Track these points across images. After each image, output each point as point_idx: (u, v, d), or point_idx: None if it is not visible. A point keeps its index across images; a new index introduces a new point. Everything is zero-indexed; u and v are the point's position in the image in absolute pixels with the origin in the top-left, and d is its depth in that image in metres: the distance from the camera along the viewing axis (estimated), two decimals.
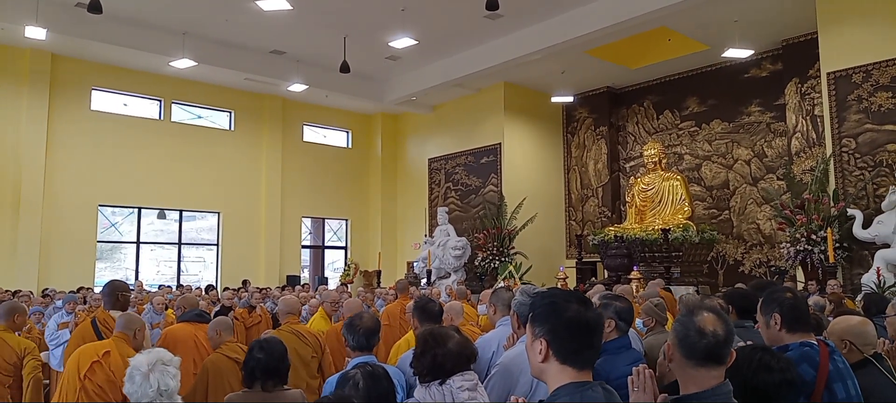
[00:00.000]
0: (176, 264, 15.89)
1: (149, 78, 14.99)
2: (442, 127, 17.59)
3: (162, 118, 15.46)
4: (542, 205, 15.94)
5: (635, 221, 13.77)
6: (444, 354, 2.49)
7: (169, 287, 12.57)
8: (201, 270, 16.39)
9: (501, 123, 15.89)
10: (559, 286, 11.57)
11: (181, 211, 15.91)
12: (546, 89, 16.02)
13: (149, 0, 11.96)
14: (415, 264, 15.74)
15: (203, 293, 11.45)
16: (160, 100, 15.45)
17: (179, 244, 15.93)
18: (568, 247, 16.59)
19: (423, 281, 14.59)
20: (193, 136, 15.83)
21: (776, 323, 2.64)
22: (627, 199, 14.70)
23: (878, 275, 8.84)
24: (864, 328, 2.77)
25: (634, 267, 12.01)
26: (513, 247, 14.90)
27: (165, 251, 15.97)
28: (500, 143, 15.91)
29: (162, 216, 15.81)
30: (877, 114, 10.04)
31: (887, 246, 9.25)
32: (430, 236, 16.01)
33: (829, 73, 10.57)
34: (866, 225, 9.52)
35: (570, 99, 15.96)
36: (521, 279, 13.48)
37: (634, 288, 10.33)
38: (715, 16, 11.69)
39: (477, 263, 15.04)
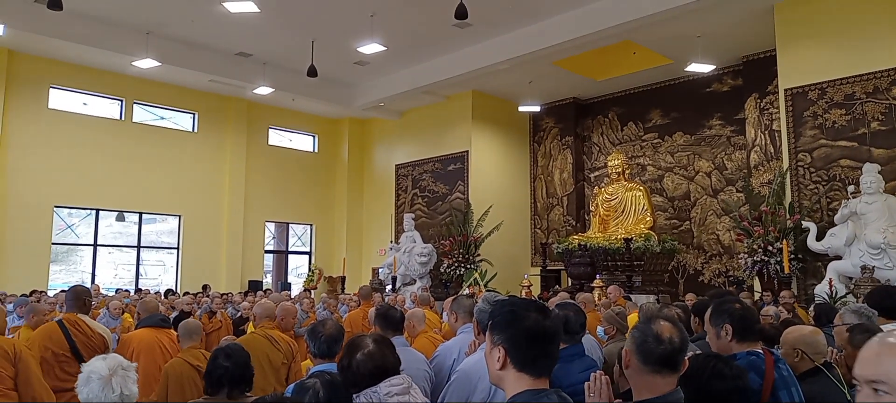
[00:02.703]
0: (134, 267, 15.54)
1: (110, 77, 14.66)
2: (410, 133, 17.59)
3: (123, 118, 15.13)
4: (508, 213, 16.04)
5: (599, 230, 13.96)
6: (347, 366, 2.49)
7: (126, 291, 12.28)
8: (161, 274, 16.06)
9: (469, 131, 15.96)
10: (523, 294, 11.66)
11: (141, 214, 15.57)
12: (514, 98, 16.16)
13: None
14: (380, 270, 15.68)
15: (162, 297, 11.24)
16: (121, 100, 15.12)
17: (138, 247, 15.59)
18: (533, 255, 16.71)
19: (388, 287, 14.54)
20: (155, 138, 15.53)
21: (727, 333, 2.71)
22: (591, 208, 14.90)
23: (831, 286, 9.09)
24: (815, 337, 2.87)
25: (597, 276, 12.18)
26: (478, 255, 14.95)
27: (124, 254, 15.61)
28: (467, 151, 15.97)
29: (121, 218, 15.45)
30: (831, 131, 10.37)
31: (839, 257, 9.53)
32: (396, 242, 15.97)
33: (786, 90, 10.88)
34: (820, 237, 9.79)
35: (537, 108, 16.13)
36: (486, 286, 13.52)
37: (596, 296, 10.46)
38: (678, 31, 11.95)
39: (442, 270, 15.05)
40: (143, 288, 13.48)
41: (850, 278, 9.28)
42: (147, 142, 15.32)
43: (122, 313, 8.07)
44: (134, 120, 15.30)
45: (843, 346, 3.17)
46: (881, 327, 3.55)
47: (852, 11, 10.15)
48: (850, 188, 9.68)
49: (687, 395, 2.07)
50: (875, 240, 8.90)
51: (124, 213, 15.41)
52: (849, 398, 2.72)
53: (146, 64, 13.29)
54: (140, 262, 15.65)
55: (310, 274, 17.33)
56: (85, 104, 14.73)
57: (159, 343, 4.86)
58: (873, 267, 8.86)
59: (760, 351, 2.71)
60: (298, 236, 18.60)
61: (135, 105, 15.31)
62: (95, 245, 14.92)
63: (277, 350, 4.54)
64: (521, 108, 15.92)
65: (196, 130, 16.32)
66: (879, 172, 9.37)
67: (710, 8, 10.75)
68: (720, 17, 11.39)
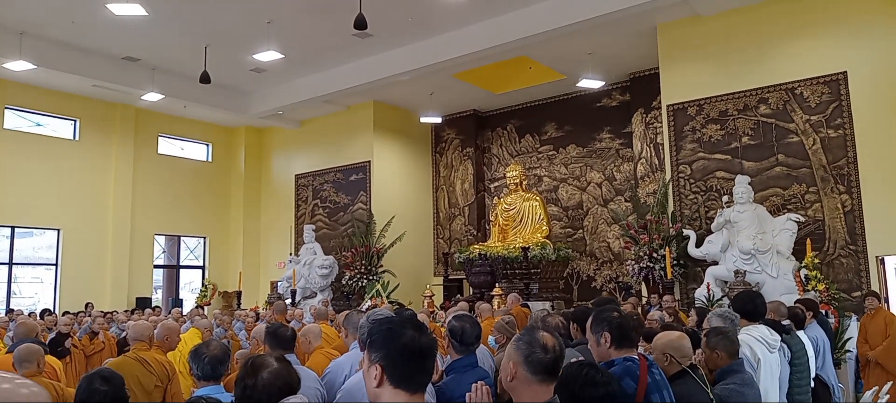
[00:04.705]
0: (6, 286, 14.30)
1: None
2: (310, 142, 17.29)
3: None
4: (411, 224, 16.09)
5: (498, 239, 14.28)
6: (253, 385, 2.45)
7: None
8: (38, 292, 14.88)
9: (371, 141, 15.91)
10: (425, 303, 11.72)
11: (13, 228, 14.38)
12: (415, 109, 16.28)
13: None
14: (279, 284, 15.28)
15: (38, 317, 10.42)
16: None
17: (10, 264, 14.37)
18: (436, 265, 16.85)
19: (288, 301, 14.19)
20: (31, 146, 14.40)
21: (606, 341, 2.87)
22: (491, 218, 15.23)
23: (709, 290, 9.74)
24: (681, 342, 3.08)
25: (497, 284, 12.45)
26: (381, 266, 14.89)
27: None
28: (369, 161, 15.90)
29: None
30: (707, 144, 11.16)
31: (716, 263, 10.22)
32: (296, 254, 15.63)
33: (668, 106, 11.60)
34: (699, 244, 10.46)
35: (438, 120, 16.32)
36: (388, 297, 13.49)
37: (495, 304, 10.67)
38: (571, 48, 12.47)
39: (344, 282, 14.87)
40: (15, 309, 12.44)
41: (726, 282, 9.96)
42: (21, 150, 14.19)
43: None
44: (6, 126, 14.12)
45: (703, 348, 3.43)
46: (742, 329, 3.87)
47: (725, 35, 11.00)
48: (725, 198, 10.42)
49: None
50: (746, 246, 9.62)
51: None
52: (711, 396, 2.94)
53: (19, 66, 12.30)
54: (12, 280, 14.42)
55: (203, 289, 16.61)
56: None
57: None
58: (745, 271, 9.56)
59: (636, 357, 2.88)
60: (191, 249, 17.78)
61: (7, 110, 14.14)
62: None
63: (150, 374, 4.34)
64: (422, 119, 16.05)
65: (78, 138, 15.28)
66: (750, 183, 10.15)
67: (599, 27, 11.31)
68: (609, 37, 12.00)
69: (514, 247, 13.24)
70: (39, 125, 14.85)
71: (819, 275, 9.11)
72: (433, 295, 12.65)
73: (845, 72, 9.91)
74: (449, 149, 17.22)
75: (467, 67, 13.38)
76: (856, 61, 9.88)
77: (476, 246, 14.19)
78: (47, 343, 6.37)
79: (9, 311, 12.07)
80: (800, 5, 10.38)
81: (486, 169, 16.99)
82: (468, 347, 3.09)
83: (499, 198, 15.22)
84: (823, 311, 7.89)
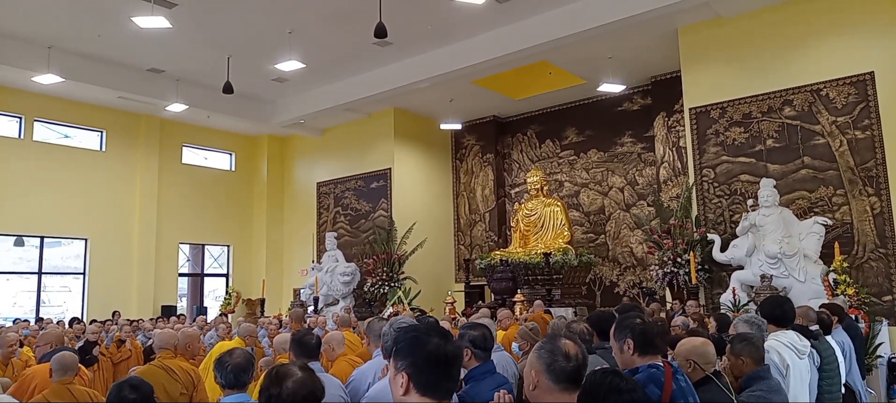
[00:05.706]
0: (36, 295, 14.58)
1: (7, 93, 13.79)
2: (331, 150, 17.42)
3: (22, 136, 14.24)
4: (432, 230, 16.11)
5: (519, 245, 14.23)
6: (278, 395, 2.46)
7: (26, 321, 11.50)
8: (66, 301, 15.14)
9: (391, 148, 15.97)
10: (447, 310, 11.73)
11: (42, 238, 14.66)
12: (435, 116, 16.31)
13: (7, 9, 11.05)
14: (302, 291, 15.39)
15: (67, 326, 10.61)
16: (21, 117, 14.24)
17: (40, 273, 14.65)
18: (457, 271, 16.84)
19: (311, 308, 14.28)
20: (59, 157, 14.70)
21: (629, 348, 2.84)
22: (512, 224, 15.18)
23: (734, 295, 9.59)
24: (705, 348, 3.04)
25: (518, 290, 12.41)
26: (403, 272, 14.93)
27: (24, 280, 14.63)
28: (390, 168, 15.96)
29: (19, 243, 14.50)
30: (731, 147, 11.02)
31: (741, 267, 10.08)
32: (318, 262, 15.74)
33: (690, 109, 11.48)
34: (723, 248, 10.32)
35: (458, 126, 16.34)
36: (410, 304, 13.51)
37: (517, 310, 10.65)
38: (591, 52, 12.41)
39: (366, 289, 14.93)
40: (44, 317, 12.67)
41: (752, 287, 9.80)
42: (50, 161, 14.48)
43: (20, 345, 7.53)
44: (35, 138, 14.43)
45: (727, 355, 3.38)
46: (770, 335, 3.81)
47: (748, 37, 10.86)
48: (750, 201, 10.27)
49: None
50: (772, 250, 9.46)
51: (24, 237, 14.47)
52: None
53: (48, 79, 12.58)
54: (41, 289, 14.70)
55: (227, 297, 16.79)
56: None
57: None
58: (771, 275, 9.40)
59: (660, 364, 2.85)
60: (215, 258, 17.98)
61: (36, 123, 14.46)
62: None
63: (175, 382, 4.39)
64: (442, 126, 16.09)
65: (104, 149, 15.56)
66: (775, 186, 9.99)
67: (619, 31, 11.23)
68: (629, 40, 11.91)
69: (536, 253, 13.19)
70: (67, 137, 15.15)
71: (848, 279, 8.91)
72: (455, 301, 12.64)
73: (872, 72, 9.73)
74: (469, 155, 17.23)
75: (487, 74, 13.38)
76: (883, 61, 9.69)
77: (497, 253, 14.17)
78: (77, 349, 6.48)
79: (38, 320, 12.30)
80: (824, 5, 10.22)
81: (506, 174, 16.96)
82: (487, 353, 3.10)
83: (520, 204, 15.18)
84: (853, 316, 7.73)
